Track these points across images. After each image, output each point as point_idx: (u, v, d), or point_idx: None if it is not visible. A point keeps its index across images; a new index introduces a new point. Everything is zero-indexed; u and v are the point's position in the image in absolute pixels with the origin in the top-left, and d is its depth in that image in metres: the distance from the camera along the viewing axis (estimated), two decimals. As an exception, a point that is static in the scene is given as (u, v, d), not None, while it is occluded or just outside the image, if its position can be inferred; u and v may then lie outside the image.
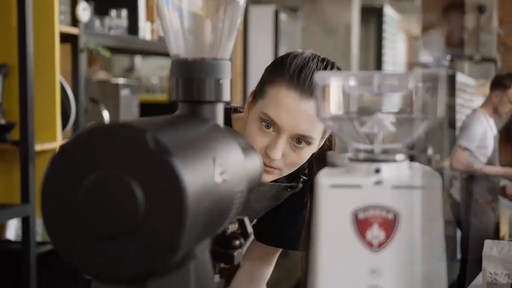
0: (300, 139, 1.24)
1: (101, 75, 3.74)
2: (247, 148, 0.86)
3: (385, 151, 0.71)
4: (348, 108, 0.73)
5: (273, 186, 1.40)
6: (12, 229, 2.68)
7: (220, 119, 0.82)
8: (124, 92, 3.00)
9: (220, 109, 0.82)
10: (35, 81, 2.40)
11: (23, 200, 2.32)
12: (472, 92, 7.95)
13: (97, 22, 2.91)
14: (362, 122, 0.72)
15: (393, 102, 0.73)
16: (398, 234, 0.67)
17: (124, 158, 0.61)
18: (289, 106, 1.22)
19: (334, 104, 0.72)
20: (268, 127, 1.24)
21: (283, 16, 5.00)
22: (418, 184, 0.68)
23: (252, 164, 0.85)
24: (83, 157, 0.62)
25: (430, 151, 6.50)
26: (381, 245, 0.67)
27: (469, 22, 9.49)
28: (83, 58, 2.68)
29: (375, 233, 0.68)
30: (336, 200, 0.69)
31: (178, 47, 0.82)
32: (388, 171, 0.69)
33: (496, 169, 4.35)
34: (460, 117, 7.40)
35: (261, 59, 4.88)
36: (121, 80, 3.13)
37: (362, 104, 0.73)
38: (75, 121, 2.63)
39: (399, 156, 0.71)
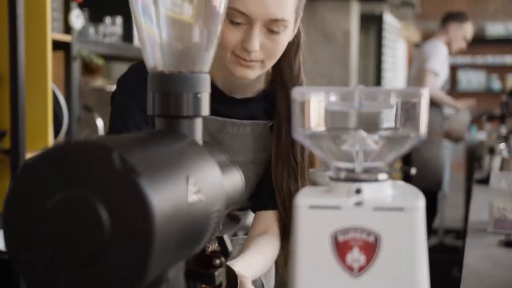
0: (273, 25, 1.19)
1: (98, 82, 3.72)
2: (227, 165, 0.83)
3: (367, 170, 0.68)
4: (328, 124, 0.70)
5: (255, 126, 1.35)
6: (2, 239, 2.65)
7: (198, 135, 0.79)
8: (119, 100, 2.96)
9: (198, 124, 0.79)
10: (27, 88, 2.37)
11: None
12: (397, 33, 7.98)
13: (91, 29, 2.89)
14: (343, 139, 0.69)
15: (375, 119, 0.70)
16: (379, 258, 0.64)
17: (89, 178, 0.58)
18: None
19: (313, 121, 0.69)
20: (238, 23, 1.20)
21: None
22: (400, 206, 0.65)
23: (232, 180, 0.82)
24: (47, 176, 0.59)
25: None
26: (361, 269, 0.65)
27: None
28: (76, 66, 2.65)
29: (356, 256, 0.65)
30: (315, 222, 0.66)
31: (155, 59, 0.79)
32: (370, 191, 0.66)
33: (455, 102, 4.44)
34: (385, 58, 7.41)
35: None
36: (116, 88, 3.09)
37: (343, 120, 0.70)
38: (67, 129, 2.60)
39: (382, 176, 0.68)
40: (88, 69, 3.51)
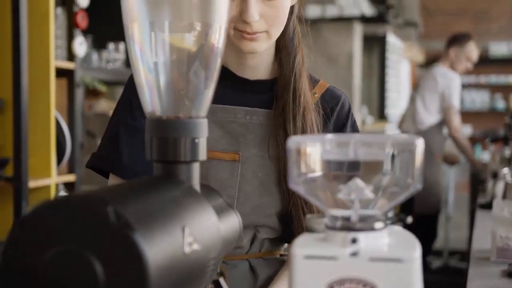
0: None
1: (103, 104, 3.73)
2: (224, 208, 0.83)
3: (363, 218, 0.68)
4: (323, 173, 0.70)
5: (269, 115, 1.24)
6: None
7: (195, 179, 0.79)
8: (122, 125, 2.97)
9: (196, 168, 0.79)
10: (30, 116, 2.38)
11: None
12: (400, 54, 7.99)
13: (94, 56, 2.91)
14: (338, 188, 0.69)
15: (371, 167, 0.70)
16: (375, 309, 0.64)
17: (84, 233, 0.58)
18: None
19: (309, 169, 0.69)
20: None
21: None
22: (396, 256, 0.65)
23: (229, 224, 0.82)
24: (43, 230, 0.59)
25: (364, 109, 6.49)
26: (358, 320, 0.64)
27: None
28: (79, 93, 2.66)
29: (352, 307, 0.64)
30: (311, 272, 0.65)
31: (153, 104, 0.79)
32: (366, 240, 0.66)
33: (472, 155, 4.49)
34: (388, 79, 7.42)
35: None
36: (119, 113, 3.10)
37: (339, 168, 0.70)
38: (70, 156, 2.61)
39: (378, 224, 0.68)
40: (92, 91, 3.52)
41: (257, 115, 1.24)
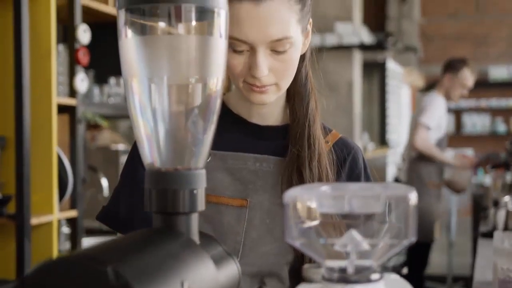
0: (278, 45, 1.12)
1: (106, 135, 3.75)
2: (223, 257, 0.84)
3: (359, 270, 0.69)
4: (319, 225, 0.71)
5: (279, 163, 1.22)
6: (8, 303, 2.65)
7: (194, 230, 0.80)
8: (124, 159, 3.00)
9: (194, 219, 0.80)
10: (32, 153, 2.40)
11: (18, 276, 2.29)
12: (400, 79, 8.00)
13: (96, 90, 2.93)
14: (334, 239, 0.70)
15: (366, 219, 0.71)
16: None
17: (85, 293, 0.59)
18: (248, 18, 1.10)
19: (305, 222, 0.70)
20: (241, 51, 1.13)
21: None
22: (392, 309, 0.66)
23: (227, 273, 0.83)
24: (43, 290, 0.61)
25: (365, 136, 6.50)
26: None
27: (391, 10, 9.57)
28: (80, 129, 2.68)
29: None
30: (308, 324, 0.66)
31: (152, 156, 0.81)
32: (362, 293, 0.67)
33: (448, 160, 4.45)
34: (388, 104, 7.43)
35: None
36: (121, 146, 3.13)
37: (335, 221, 0.71)
38: (72, 191, 2.62)
39: (374, 276, 0.69)
40: (94, 123, 3.55)
41: (268, 162, 1.23)
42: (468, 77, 4.39)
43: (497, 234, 1.92)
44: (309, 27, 1.24)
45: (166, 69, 0.78)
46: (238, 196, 1.22)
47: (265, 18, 1.10)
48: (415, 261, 4.44)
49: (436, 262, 6.58)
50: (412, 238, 0.69)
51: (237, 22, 1.11)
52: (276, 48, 1.13)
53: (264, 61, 1.12)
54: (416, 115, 4.41)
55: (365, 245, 0.69)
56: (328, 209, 0.70)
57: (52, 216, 2.48)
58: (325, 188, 0.72)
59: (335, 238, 0.70)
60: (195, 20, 0.77)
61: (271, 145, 1.26)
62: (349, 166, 1.28)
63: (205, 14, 0.78)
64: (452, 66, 4.42)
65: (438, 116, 4.30)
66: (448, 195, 6.29)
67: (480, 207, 4.94)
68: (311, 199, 0.70)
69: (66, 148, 2.66)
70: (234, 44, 1.13)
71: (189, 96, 0.80)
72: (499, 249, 1.87)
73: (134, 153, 1.26)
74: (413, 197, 0.68)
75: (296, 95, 1.25)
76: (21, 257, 2.30)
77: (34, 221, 2.39)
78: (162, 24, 0.91)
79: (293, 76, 1.18)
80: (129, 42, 0.78)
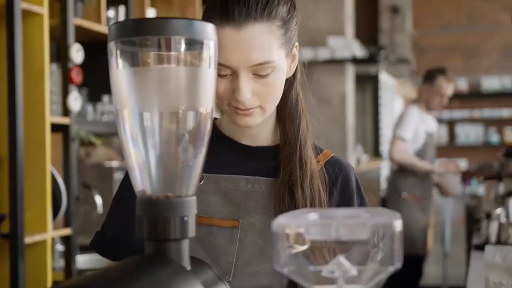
0: (260, 70, 1.13)
1: (100, 152, 3.76)
2: (214, 281, 0.86)
3: (347, 296, 0.71)
4: (307, 252, 0.72)
5: (271, 183, 1.23)
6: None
7: (185, 256, 0.81)
8: (118, 176, 3.01)
9: (185, 245, 0.82)
10: (26, 172, 2.41)
11: (12, 294, 2.29)
12: (393, 91, 8.03)
13: (89, 108, 2.95)
14: (323, 266, 0.72)
15: (354, 246, 0.73)
16: None
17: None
18: (230, 43, 1.12)
19: (293, 249, 0.72)
20: (224, 75, 1.14)
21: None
22: (378, 335, 0.67)
23: (219, 298, 0.84)
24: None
25: (359, 148, 6.51)
26: None
27: (384, 23, 9.64)
28: (74, 147, 2.70)
29: None
30: None
31: (143, 184, 0.82)
32: (350, 319, 0.69)
33: (429, 167, 4.41)
34: (382, 116, 7.45)
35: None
36: (115, 163, 3.14)
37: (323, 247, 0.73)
38: (66, 209, 2.63)
39: (361, 302, 0.70)
40: (88, 141, 3.56)
41: (259, 183, 1.24)
42: (443, 85, 4.36)
43: (488, 249, 1.93)
44: (295, 50, 1.24)
45: (157, 99, 0.80)
46: (229, 218, 1.24)
47: (247, 43, 1.12)
48: (409, 273, 4.44)
49: (431, 273, 6.59)
50: (397, 264, 0.70)
51: (220, 47, 1.13)
52: (258, 72, 1.14)
53: (246, 85, 1.13)
54: (394, 127, 4.44)
55: (353, 270, 0.71)
56: (316, 236, 0.71)
57: (46, 235, 2.49)
58: (312, 215, 0.74)
59: (323, 265, 0.72)
60: (184, 51, 0.79)
61: (262, 166, 1.27)
62: (341, 186, 1.29)
63: (194, 45, 0.80)
64: (428, 76, 4.45)
65: (413, 127, 4.31)
66: (442, 206, 6.31)
67: (473, 218, 4.95)
68: (299, 227, 0.71)
69: (60, 167, 2.67)
70: (217, 69, 1.15)
71: (179, 125, 0.82)
72: (490, 263, 1.88)
73: (127, 179, 1.27)
74: (397, 224, 0.70)
75: (287, 117, 1.27)
76: (15, 276, 2.30)
77: (28, 240, 2.39)
78: (152, 56, 0.94)
79: (278, 99, 1.19)
80: (120, 73, 0.80)
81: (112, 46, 0.80)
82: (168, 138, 0.82)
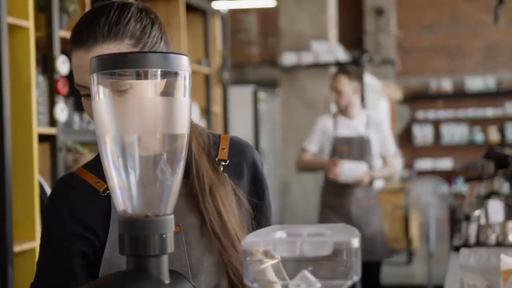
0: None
1: (89, 157, 3.80)
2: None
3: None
4: (275, 267, 0.79)
5: (184, 184, 1.23)
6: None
7: (164, 270, 0.88)
8: (105, 183, 3.06)
9: (164, 260, 0.88)
10: (14, 181, 2.46)
11: (2, 302, 2.35)
12: (378, 92, 8.09)
13: (76, 117, 3.00)
14: (289, 280, 0.78)
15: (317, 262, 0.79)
16: None
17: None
18: (81, 64, 1.18)
19: (260, 266, 0.79)
20: (87, 95, 1.19)
21: (261, 95, 5.12)
22: None
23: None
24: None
25: None
26: None
27: (368, 24, 9.75)
28: (61, 157, 2.75)
29: None
30: None
31: (125, 204, 0.89)
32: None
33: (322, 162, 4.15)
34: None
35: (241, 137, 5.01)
36: (101, 170, 3.18)
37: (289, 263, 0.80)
38: (54, 217, 2.68)
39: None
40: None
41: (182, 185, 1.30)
42: (337, 80, 4.12)
43: (463, 251, 1.99)
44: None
45: (136, 126, 0.87)
46: None
47: None
48: (370, 280, 4.38)
49: (417, 272, 6.69)
50: (355, 277, 0.77)
51: (74, 69, 1.21)
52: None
53: (130, 93, 1.12)
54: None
55: (317, 284, 0.78)
56: (282, 253, 0.78)
57: (34, 243, 2.54)
58: (279, 234, 0.81)
59: (289, 279, 0.78)
60: (160, 82, 0.86)
61: None
62: (248, 168, 1.34)
63: (169, 76, 0.87)
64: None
65: (318, 139, 4.17)
66: (427, 205, 6.39)
67: (456, 218, 5.03)
68: (266, 245, 0.78)
69: (47, 176, 2.72)
70: (79, 89, 1.22)
71: (157, 148, 0.88)
72: (465, 265, 1.94)
73: (50, 220, 1.26)
74: (355, 241, 0.76)
75: None
76: (4, 284, 2.35)
77: (17, 248, 2.45)
78: (131, 87, 1.00)
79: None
80: (101, 103, 0.86)
81: (93, 77, 0.86)
82: (146, 161, 0.88)
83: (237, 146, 1.34)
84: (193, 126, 1.31)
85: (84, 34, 1.18)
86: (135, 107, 0.87)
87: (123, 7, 1.21)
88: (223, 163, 1.30)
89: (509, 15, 8.96)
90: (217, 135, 1.35)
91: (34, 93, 2.56)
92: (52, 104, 2.72)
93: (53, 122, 2.72)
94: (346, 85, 4.06)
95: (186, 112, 0.88)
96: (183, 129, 0.88)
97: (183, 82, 0.87)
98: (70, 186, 1.27)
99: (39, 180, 2.59)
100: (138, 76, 0.86)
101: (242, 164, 1.33)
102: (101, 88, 0.87)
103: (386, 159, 4.16)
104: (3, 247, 2.38)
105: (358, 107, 4.18)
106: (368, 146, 4.10)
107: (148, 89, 0.87)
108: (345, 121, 4.13)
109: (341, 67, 4.27)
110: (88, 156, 3.64)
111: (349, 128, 4.11)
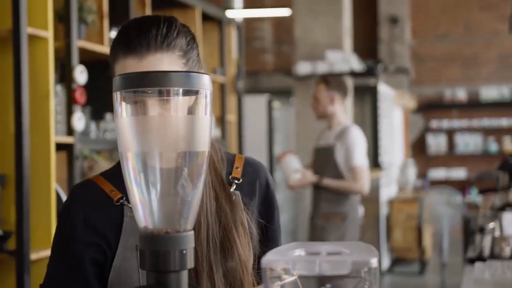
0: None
1: (103, 164, 3.82)
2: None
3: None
4: (294, 285, 0.80)
5: None
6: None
7: (184, 286, 0.89)
8: (120, 191, 3.08)
9: (184, 276, 0.90)
10: (32, 190, 2.48)
11: (18, 310, 2.37)
12: (392, 101, 8.05)
13: (93, 126, 3.03)
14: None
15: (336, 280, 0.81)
16: None
17: None
18: (132, 71, 1.16)
19: (280, 282, 0.80)
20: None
21: (276, 104, 5.13)
22: None
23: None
24: None
25: None
26: None
27: (383, 33, 9.72)
28: (78, 165, 2.78)
29: None
30: None
31: (146, 220, 0.90)
32: None
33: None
34: (381, 127, 7.50)
35: (256, 147, 5.03)
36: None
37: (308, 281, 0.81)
38: (70, 226, 2.71)
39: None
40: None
41: None
42: (317, 88, 4.09)
43: (478, 265, 1.99)
44: None
45: (157, 144, 0.88)
46: None
47: (148, 70, 1.18)
48: None
49: (430, 283, 6.67)
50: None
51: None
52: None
53: (152, 111, 1.10)
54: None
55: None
56: (301, 271, 0.79)
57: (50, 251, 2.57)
58: (298, 252, 0.82)
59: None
60: (182, 100, 0.88)
61: None
62: (260, 188, 1.35)
63: (191, 95, 0.88)
64: None
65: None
66: (440, 215, 6.36)
67: (469, 229, 5.01)
68: (285, 263, 0.79)
69: (64, 185, 2.75)
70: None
71: (178, 165, 0.90)
72: (479, 279, 1.95)
73: (64, 225, 1.26)
74: (374, 261, 0.77)
75: None
76: (21, 292, 2.38)
77: (34, 256, 2.47)
78: (153, 105, 1.02)
79: None
80: (124, 120, 0.88)
81: (116, 95, 0.88)
82: (167, 177, 0.90)
83: (251, 166, 1.36)
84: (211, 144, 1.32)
85: (136, 42, 1.19)
86: (157, 125, 0.89)
87: (170, 21, 1.23)
88: (236, 182, 1.31)
89: (524, 25, 8.92)
90: (232, 154, 1.37)
91: (52, 102, 2.59)
92: (69, 113, 2.75)
93: (70, 131, 2.75)
94: (323, 93, 4.02)
95: (207, 129, 0.90)
96: (204, 146, 0.90)
97: (205, 100, 0.89)
98: (85, 193, 1.28)
99: (56, 189, 2.61)
100: (161, 95, 0.88)
101: (255, 184, 1.35)
102: (124, 105, 0.88)
103: (352, 172, 3.92)
104: (20, 255, 2.41)
105: (339, 119, 4.06)
106: (332, 157, 3.98)
107: (170, 107, 0.88)
108: (325, 132, 4.13)
109: (322, 76, 4.23)
110: (102, 164, 3.67)
111: (325, 139, 4.07)
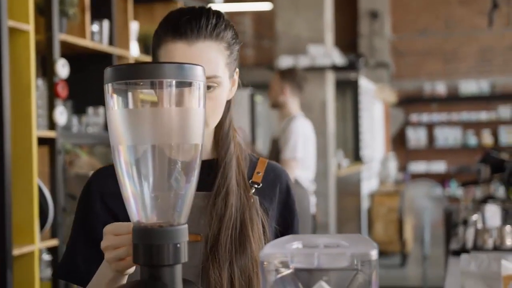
0: (207, 82, 1.17)
1: (84, 160, 3.78)
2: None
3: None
4: (292, 278, 0.79)
5: (204, 197, 1.25)
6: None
7: (178, 279, 0.88)
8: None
9: (178, 270, 0.88)
10: (13, 185, 2.45)
11: (1, 306, 2.34)
12: (373, 95, 8.09)
13: (75, 120, 3.00)
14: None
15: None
16: None
17: None
18: (182, 56, 1.19)
19: (278, 275, 0.79)
20: None
21: (258, 98, 5.13)
22: None
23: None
24: None
25: (340, 153, 6.55)
26: None
27: (363, 28, 9.77)
28: (60, 160, 2.74)
29: None
30: None
31: (139, 214, 0.89)
32: None
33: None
34: (362, 121, 7.55)
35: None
36: (99, 173, 3.18)
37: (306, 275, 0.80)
38: (53, 221, 2.68)
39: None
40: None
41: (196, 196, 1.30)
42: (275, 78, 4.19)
43: (464, 257, 1.99)
44: (236, 76, 1.32)
45: (150, 136, 0.87)
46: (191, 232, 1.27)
47: (197, 56, 1.19)
48: None
49: (411, 275, 6.71)
50: (373, 289, 0.77)
51: (173, 60, 1.20)
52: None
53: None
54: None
55: (331, 294, 0.78)
56: (299, 264, 0.78)
57: (33, 246, 2.54)
58: (295, 244, 0.81)
59: (305, 289, 0.79)
60: (175, 92, 0.86)
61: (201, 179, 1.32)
62: (280, 194, 1.35)
63: (184, 87, 0.87)
64: None
65: (301, 143, 4.01)
66: (422, 208, 6.39)
67: (451, 221, 5.03)
68: (284, 256, 0.78)
69: (46, 179, 2.72)
70: None
71: (171, 158, 0.88)
72: (465, 271, 1.95)
73: (84, 204, 1.28)
74: (374, 253, 0.77)
75: (220, 140, 1.31)
76: (3, 287, 2.34)
77: (16, 252, 2.44)
78: (145, 97, 1.00)
79: (220, 115, 1.26)
80: (116, 113, 0.86)
81: (108, 87, 0.86)
82: (160, 171, 0.88)
83: (273, 171, 1.36)
84: (237, 145, 1.32)
85: (187, 27, 1.20)
86: (150, 117, 0.87)
87: (219, 13, 1.26)
88: (256, 186, 1.31)
89: (503, 19, 8.99)
90: (255, 158, 1.37)
91: (34, 96, 2.55)
92: (51, 107, 2.71)
93: (52, 125, 2.71)
94: (276, 83, 4.08)
95: (201, 122, 0.88)
96: (197, 139, 0.88)
97: (198, 92, 0.87)
98: (104, 177, 1.28)
99: (38, 184, 2.58)
100: (153, 86, 0.86)
101: (275, 189, 1.35)
102: (115, 97, 0.87)
103: (282, 164, 3.73)
104: (2, 251, 2.37)
105: (288, 110, 4.07)
106: (276, 149, 4.02)
107: (162, 99, 0.87)
108: (279, 123, 4.18)
109: (281, 69, 4.28)
110: (84, 158, 3.63)
111: (277, 130, 4.18)
